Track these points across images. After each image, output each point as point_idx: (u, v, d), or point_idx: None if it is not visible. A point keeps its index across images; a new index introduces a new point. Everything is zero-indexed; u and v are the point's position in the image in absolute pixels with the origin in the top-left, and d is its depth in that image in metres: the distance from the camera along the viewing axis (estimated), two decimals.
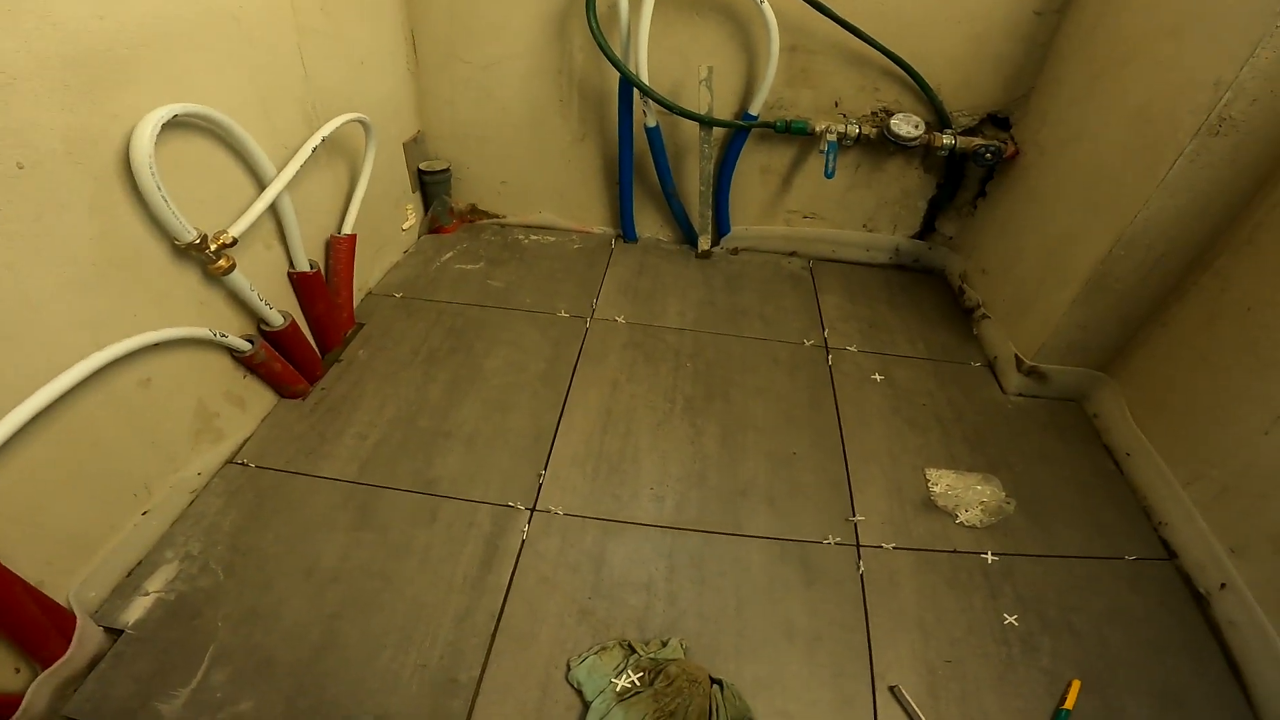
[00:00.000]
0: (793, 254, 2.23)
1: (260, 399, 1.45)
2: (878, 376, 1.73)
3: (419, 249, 2.09)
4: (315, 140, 1.38)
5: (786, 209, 2.15)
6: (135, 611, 1.10)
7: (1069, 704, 1.09)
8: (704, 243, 2.16)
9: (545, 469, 1.40)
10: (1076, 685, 1.11)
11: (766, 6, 1.66)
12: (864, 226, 2.15)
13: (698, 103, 1.86)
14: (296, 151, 1.36)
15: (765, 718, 1.05)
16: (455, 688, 1.04)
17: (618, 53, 1.76)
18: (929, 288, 2.13)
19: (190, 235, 1.10)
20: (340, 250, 1.61)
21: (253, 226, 1.25)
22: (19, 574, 0.92)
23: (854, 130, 1.84)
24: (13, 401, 0.88)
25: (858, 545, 1.32)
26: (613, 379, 1.65)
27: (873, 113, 1.90)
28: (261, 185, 1.29)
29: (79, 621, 1.01)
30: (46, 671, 0.95)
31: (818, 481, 1.44)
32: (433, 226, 2.17)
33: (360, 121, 1.53)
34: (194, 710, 0.99)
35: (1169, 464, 1.41)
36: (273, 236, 1.39)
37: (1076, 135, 1.57)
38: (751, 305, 1.97)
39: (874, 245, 2.18)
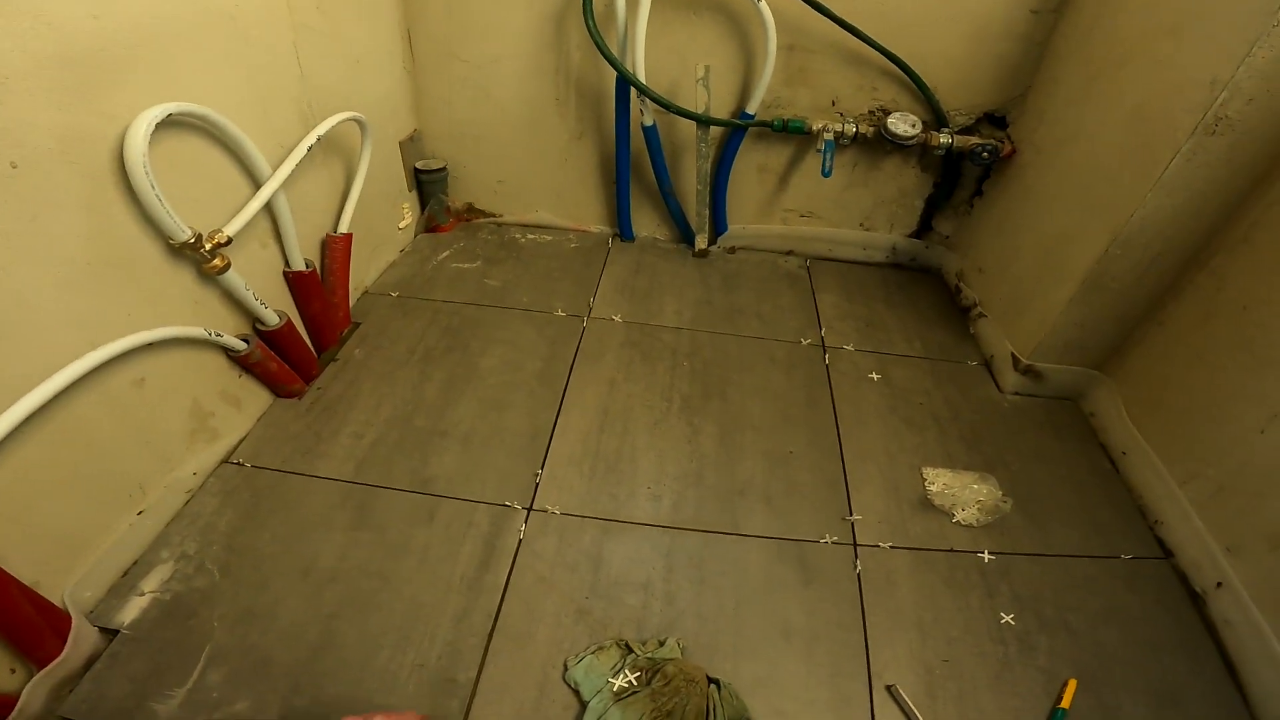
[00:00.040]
0: (790, 253, 2.23)
1: (256, 398, 1.44)
2: (874, 375, 1.73)
3: (415, 248, 2.08)
4: (311, 139, 1.37)
5: (783, 208, 2.14)
6: (131, 612, 1.09)
7: (1065, 703, 1.09)
8: (701, 242, 2.15)
9: (542, 468, 1.40)
10: (1073, 684, 1.11)
11: (764, 5, 1.66)
12: (861, 225, 2.15)
13: (695, 102, 1.85)
14: (292, 150, 1.35)
15: (763, 717, 1.05)
16: (453, 687, 1.04)
17: (615, 52, 1.75)
18: (926, 287, 2.13)
19: (185, 234, 1.09)
20: (336, 249, 1.61)
21: (248, 225, 1.24)
22: (14, 574, 0.92)
23: (851, 129, 1.84)
24: (7, 401, 0.87)
25: (855, 544, 1.32)
26: (610, 378, 1.65)
27: (870, 112, 1.90)
28: (257, 184, 1.28)
29: (74, 622, 1.01)
30: (42, 672, 0.95)
31: (815, 481, 1.44)
32: (429, 225, 2.17)
33: (356, 120, 1.52)
34: (190, 710, 0.99)
35: (1165, 463, 1.41)
36: (268, 235, 1.39)
37: (1073, 134, 1.57)
38: (748, 304, 1.97)
39: (871, 244, 2.18)
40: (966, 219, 2.05)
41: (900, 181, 2.04)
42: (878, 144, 1.92)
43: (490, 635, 1.11)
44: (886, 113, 1.87)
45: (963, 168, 1.97)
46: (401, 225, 2.04)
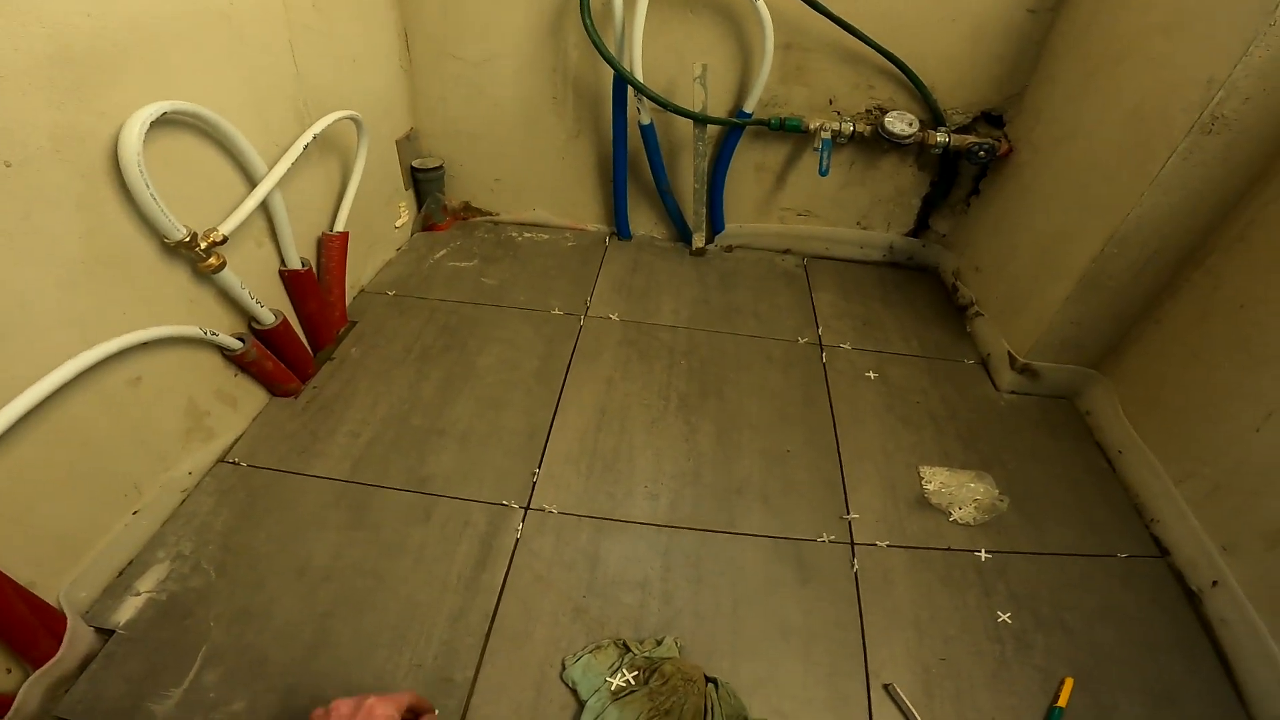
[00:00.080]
0: (787, 251, 2.23)
1: (252, 397, 1.44)
2: (872, 374, 1.73)
3: (412, 246, 2.08)
4: (307, 138, 1.37)
5: (781, 206, 2.14)
6: (126, 612, 1.09)
7: (1062, 702, 1.09)
8: (698, 240, 2.15)
9: (539, 467, 1.40)
10: (1069, 683, 1.12)
11: (761, 4, 1.66)
12: (858, 224, 2.15)
13: (692, 100, 1.85)
14: (288, 149, 1.35)
15: (761, 716, 1.05)
16: (450, 687, 1.04)
17: (612, 50, 1.75)
18: (923, 285, 2.13)
19: (179, 233, 1.09)
20: (332, 248, 1.61)
21: (243, 224, 1.24)
22: (9, 575, 0.91)
23: (848, 128, 1.84)
24: (1, 401, 0.87)
25: (852, 543, 1.32)
26: (607, 377, 1.65)
27: (867, 110, 1.90)
28: (252, 183, 1.28)
29: (70, 622, 1.01)
30: (38, 672, 0.95)
31: (812, 479, 1.44)
32: (426, 224, 2.16)
33: (352, 119, 1.52)
34: (187, 710, 0.98)
35: (1161, 461, 1.41)
36: (264, 234, 1.38)
37: (1070, 133, 1.57)
38: (746, 303, 1.97)
39: (868, 243, 2.18)
40: (963, 218, 2.05)
41: (897, 180, 2.04)
42: (875, 143, 1.92)
43: (487, 635, 1.11)
44: (884, 111, 1.87)
45: (960, 166, 1.97)
46: (398, 224, 2.03)
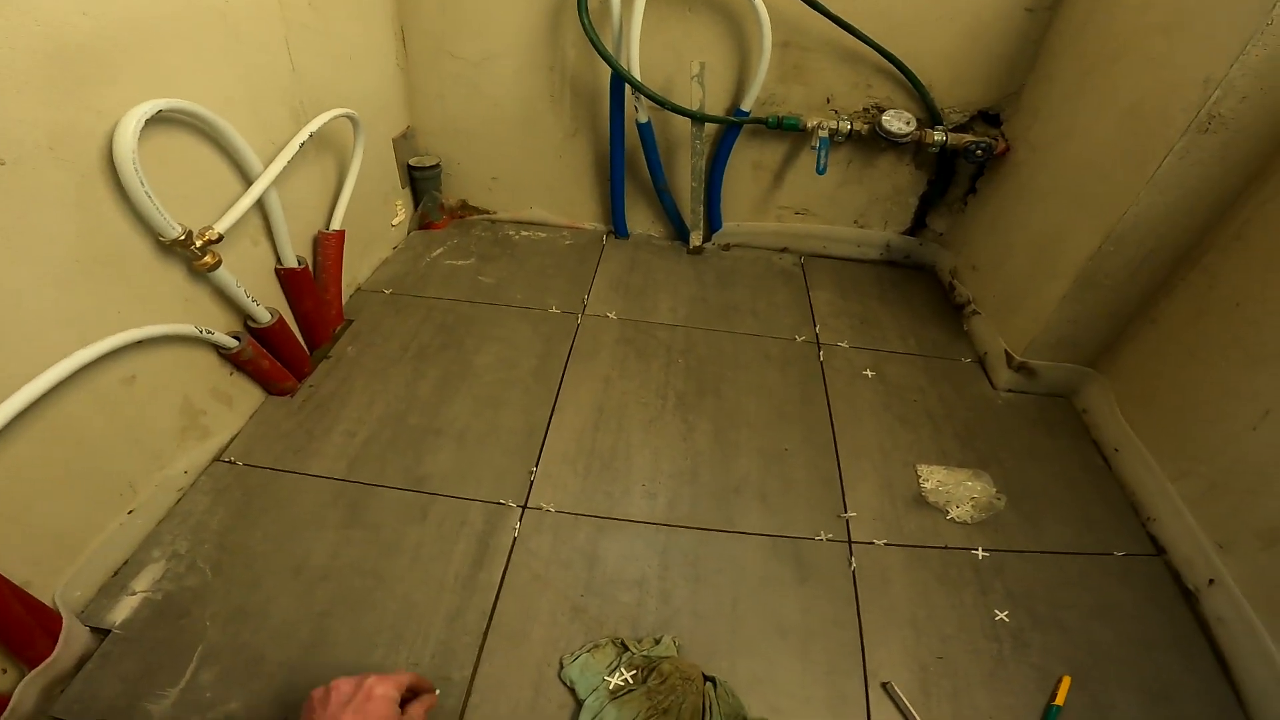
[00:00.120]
0: (784, 250, 2.23)
1: (247, 396, 1.43)
2: (869, 372, 1.73)
3: (409, 245, 2.08)
4: (303, 135, 1.36)
5: (778, 205, 2.14)
6: (122, 611, 1.08)
7: (1059, 700, 1.09)
8: (695, 239, 2.15)
9: (537, 466, 1.40)
10: (1067, 681, 1.12)
11: (759, 2, 1.66)
12: (855, 223, 2.15)
13: (690, 99, 1.85)
14: (284, 147, 1.34)
15: (760, 715, 1.05)
16: (448, 686, 1.04)
17: (610, 48, 1.75)
18: (920, 284, 2.13)
19: (175, 231, 1.08)
20: (328, 246, 1.60)
21: (239, 222, 1.23)
22: (4, 574, 0.91)
23: (846, 126, 1.84)
24: None
25: (849, 542, 1.32)
26: (604, 375, 1.64)
27: (864, 109, 1.90)
28: (248, 181, 1.27)
29: (65, 621, 1.00)
30: (33, 672, 0.94)
31: (809, 478, 1.44)
32: (423, 222, 2.16)
33: (348, 117, 1.51)
34: (183, 710, 0.98)
35: (1157, 460, 1.42)
36: (260, 232, 1.38)
37: (1067, 132, 1.57)
38: (743, 301, 1.96)
39: (865, 241, 2.18)
40: (960, 216, 2.05)
41: (895, 179, 2.04)
42: (872, 141, 1.92)
43: (485, 634, 1.11)
44: (881, 110, 1.87)
45: (957, 165, 1.97)
46: (395, 222, 2.03)
